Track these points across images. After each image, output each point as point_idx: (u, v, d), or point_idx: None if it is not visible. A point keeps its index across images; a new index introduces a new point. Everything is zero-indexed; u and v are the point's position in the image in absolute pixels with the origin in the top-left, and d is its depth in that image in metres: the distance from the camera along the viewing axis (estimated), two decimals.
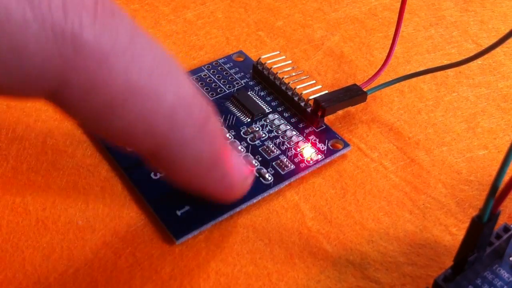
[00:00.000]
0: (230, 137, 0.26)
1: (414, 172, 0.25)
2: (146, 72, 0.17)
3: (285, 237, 0.23)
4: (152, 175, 0.24)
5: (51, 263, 0.21)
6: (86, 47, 0.16)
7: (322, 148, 0.26)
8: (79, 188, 0.24)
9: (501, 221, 0.21)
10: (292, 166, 0.25)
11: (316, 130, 0.26)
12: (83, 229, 0.23)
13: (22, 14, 0.15)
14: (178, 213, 0.23)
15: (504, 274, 0.21)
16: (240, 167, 0.22)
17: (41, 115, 0.27)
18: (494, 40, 0.24)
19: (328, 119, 0.27)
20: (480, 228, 0.19)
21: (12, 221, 0.23)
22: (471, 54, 0.25)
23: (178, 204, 0.23)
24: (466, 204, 0.24)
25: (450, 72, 0.30)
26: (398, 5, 0.27)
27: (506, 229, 0.21)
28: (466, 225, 0.19)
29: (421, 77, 0.29)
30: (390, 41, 0.28)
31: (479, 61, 0.31)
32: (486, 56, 0.29)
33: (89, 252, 0.22)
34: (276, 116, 0.27)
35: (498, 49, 0.30)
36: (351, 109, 0.28)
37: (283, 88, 0.27)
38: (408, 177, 0.25)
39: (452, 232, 0.23)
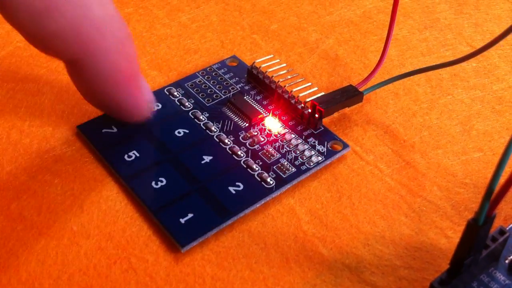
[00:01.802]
0: (229, 143, 0.26)
1: (409, 175, 0.25)
2: None
3: (281, 241, 0.23)
4: (153, 184, 0.24)
5: (46, 268, 0.21)
6: None
7: (322, 150, 0.26)
8: (74, 194, 0.24)
9: (497, 223, 0.21)
10: (293, 169, 0.25)
11: (315, 132, 0.26)
12: (78, 234, 0.22)
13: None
14: (182, 221, 0.23)
15: (500, 277, 0.21)
16: (147, 89, 0.25)
17: (35, 120, 0.27)
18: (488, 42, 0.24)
19: (324, 122, 0.27)
20: (476, 231, 0.19)
21: (7, 226, 0.23)
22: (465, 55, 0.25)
23: (181, 212, 0.23)
24: (462, 207, 0.24)
25: (444, 74, 0.30)
26: None
27: (501, 231, 0.21)
28: (462, 228, 0.19)
29: (415, 79, 0.29)
30: None
31: (473, 63, 0.31)
32: (480, 58, 0.29)
33: (84, 257, 0.22)
34: (274, 119, 0.27)
35: (492, 52, 0.30)
36: (346, 112, 0.28)
37: (279, 91, 0.27)
38: (404, 180, 0.25)
39: (448, 235, 0.23)
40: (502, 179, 0.17)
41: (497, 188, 0.18)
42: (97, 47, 0.21)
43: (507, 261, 0.21)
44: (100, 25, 0.21)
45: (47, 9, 0.20)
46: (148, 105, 0.25)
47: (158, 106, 0.27)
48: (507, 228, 0.22)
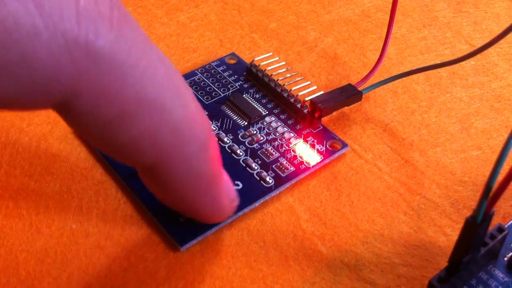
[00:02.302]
0: (228, 141, 0.26)
1: (408, 173, 0.25)
2: (158, 85, 0.17)
3: (280, 240, 0.23)
4: None
5: (45, 267, 0.21)
6: (101, 56, 0.15)
7: (321, 149, 0.26)
8: (72, 192, 0.24)
9: (495, 221, 0.21)
10: (292, 168, 0.25)
11: (314, 131, 0.26)
12: (77, 233, 0.22)
13: (32, 22, 0.14)
14: (181, 219, 0.23)
15: (499, 274, 0.21)
16: (229, 189, 0.22)
17: (34, 119, 0.27)
18: (487, 41, 0.24)
19: (323, 121, 0.27)
20: (474, 229, 0.19)
21: (6, 226, 0.23)
22: (464, 54, 0.25)
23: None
24: (460, 205, 0.24)
25: (443, 73, 0.30)
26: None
27: (500, 229, 0.21)
28: (460, 225, 0.19)
29: (414, 78, 0.29)
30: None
31: (472, 61, 0.31)
32: (479, 56, 0.29)
33: (83, 256, 0.22)
34: (273, 118, 0.27)
35: (491, 50, 0.30)
36: (345, 110, 0.28)
37: (278, 90, 0.27)
38: (403, 178, 0.25)
39: (446, 233, 0.23)
40: (500, 177, 0.17)
41: (495, 186, 0.18)
42: (176, 154, 0.19)
43: (505, 259, 0.21)
44: (180, 129, 0.18)
45: (121, 117, 0.17)
46: (230, 204, 0.22)
47: None
48: (506, 226, 0.22)
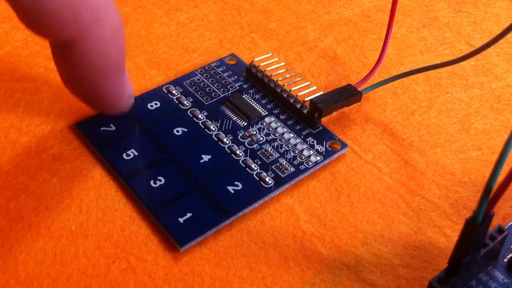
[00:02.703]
0: (228, 142, 0.26)
1: (408, 173, 0.25)
2: None
3: (280, 240, 0.23)
4: (151, 183, 0.24)
5: (45, 268, 0.21)
6: None
7: (321, 149, 0.26)
8: (72, 193, 0.24)
9: (495, 222, 0.21)
10: (292, 169, 0.25)
11: (313, 132, 0.26)
12: (76, 234, 0.22)
13: None
14: (181, 220, 0.23)
15: (499, 275, 0.21)
16: (128, 83, 0.25)
17: (34, 119, 0.26)
18: (487, 41, 0.24)
19: (322, 121, 0.27)
20: (474, 229, 0.19)
21: (5, 227, 0.22)
22: (464, 55, 0.25)
23: (180, 211, 0.23)
24: (460, 206, 0.24)
25: (443, 73, 0.30)
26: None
27: (500, 230, 0.21)
28: (460, 226, 0.19)
29: (414, 78, 0.29)
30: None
31: (472, 62, 0.31)
32: (479, 57, 0.29)
33: (82, 257, 0.22)
34: (273, 119, 0.27)
35: (491, 50, 0.30)
36: (345, 111, 0.28)
37: (278, 90, 0.27)
38: (402, 178, 0.25)
39: (446, 234, 0.23)
40: (500, 178, 0.17)
41: (495, 186, 0.18)
42: (92, 31, 0.21)
43: (505, 260, 0.21)
44: (98, 10, 0.21)
45: None
46: (128, 99, 0.25)
47: (157, 104, 0.27)
48: (506, 227, 0.22)
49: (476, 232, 0.19)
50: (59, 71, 0.24)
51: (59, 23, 0.20)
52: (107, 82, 0.23)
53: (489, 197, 0.18)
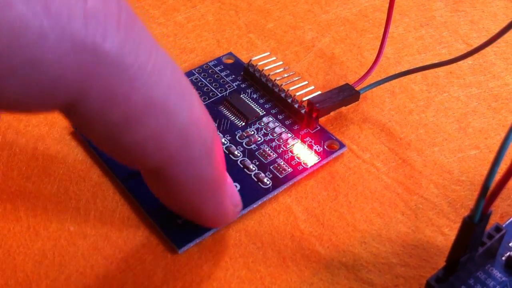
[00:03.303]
0: (225, 142, 0.26)
1: (406, 173, 0.25)
2: (165, 88, 0.17)
3: (278, 240, 0.23)
4: None
5: (43, 269, 0.21)
6: (108, 58, 0.15)
7: (319, 149, 0.26)
8: (70, 194, 0.24)
9: (493, 220, 0.21)
10: (289, 169, 0.25)
11: (311, 132, 0.26)
12: (74, 235, 0.22)
13: (39, 24, 0.14)
14: (179, 221, 0.23)
15: (497, 274, 0.21)
16: (233, 194, 0.22)
17: (31, 120, 0.26)
18: (484, 40, 0.24)
19: (320, 121, 0.27)
20: (472, 228, 0.19)
21: (3, 228, 0.22)
22: (462, 54, 0.25)
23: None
24: (458, 204, 0.24)
25: (440, 72, 0.30)
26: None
27: (497, 229, 0.21)
28: (458, 225, 0.19)
29: (412, 77, 0.29)
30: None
31: (469, 61, 0.31)
32: (476, 56, 0.29)
33: (80, 258, 0.22)
34: (271, 118, 0.27)
35: (488, 49, 0.30)
36: (343, 110, 0.28)
37: (276, 90, 0.27)
38: (400, 178, 0.25)
39: (444, 233, 0.23)
40: (498, 176, 0.17)
41: (492, 185, 0.18)
42: (182, 157, 0.18)
43: (503, 258, 0.21)
44: (186, 133, 0.18)
45: (127, 120, 0.17)
46: (233, 209, 0.22)
47: None
48: (503, 225, 0.22)
49: (473, 231, 0.19)
50: (154, 193, 0.21)
51: (141, 155, 0.18)
52: (208, 202, 0.21)
53: (486, 196, 0.18)
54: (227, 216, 0.22)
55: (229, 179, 0.22)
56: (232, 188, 0.22)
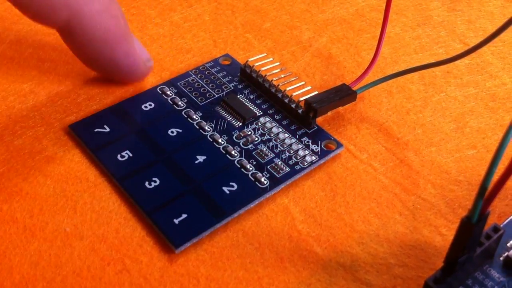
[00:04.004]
0: (222, 142, 0.26)
1: (403, 173, 0.25)
2: None
3: (275, 241, 0.23)
4: (146, 184, 0.24)
5: (39, 270, 0.21)
6: None
7: (316, 149, 0.26)
8: (66, 195, 0.24)
9: (491, 221, 0.21)
10: (287, 169, 0.25)
11: (308, 132, 0.26)
12: (71, 236, 0.22)
13: None
14: (176, 221, 0.23)
15: (495, 274, 0.21)
16: (142, 49, 0.27)
17: (28, 121, 0.26)
18: (481, 39, 0.24)
19: (317, 121, 0.27)
20: (470, 229, 0.19)
21: (0, 229, 0.22)
22: (458, 53, 0.25)
23: (175, 213, 0.23)
24: (456, 205, 0.24)
25: (438, 72, 0.30)
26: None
27: (495, 229, 0.21)
28: (456, 225, 0.19)
29: (409, 77, 0.29)
30: None
31: (466, 60, 0.31)
32: (473, 55, 0.29)
33: (77, 259, 0.22)
34: (268, 119, 0.27)
35: (485, 49, 0.30)
36: (340, 110, 0.28)
37: (273, 90, 0.27)
38: (398, 178, 0.25)
39: (442, 233, 0.23)
40: (495, 176, 0.17)
41: (490, 185, 0.18)
42: (84, 11, 0.24)
43: (501, 259, 0.21)
44: None
45: None
46: (145, 63, 0.27)
47: (151, 105, 0.27)
48: (501, 226, 0.22)
49: (471, 231, 0.19)
50: (73, 53, 0.26)
51: (51, 10, 0.24)
52: (116, 52, 0.26)
53: (484, 196, 0.18)
54: (139, 69, 0.27)
55: (136, 38, 0.27)
56: (140, 45, 0.27)
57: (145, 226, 0.23)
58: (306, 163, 0.25)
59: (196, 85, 0.28)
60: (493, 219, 0.23)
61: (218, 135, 0.26)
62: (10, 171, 0.24)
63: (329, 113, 0.27)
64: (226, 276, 0.22)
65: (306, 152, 0.25)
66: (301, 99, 0.27)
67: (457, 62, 0.29)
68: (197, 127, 0.26)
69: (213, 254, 0.22)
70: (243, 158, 0.25)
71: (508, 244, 0.22)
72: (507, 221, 0.23)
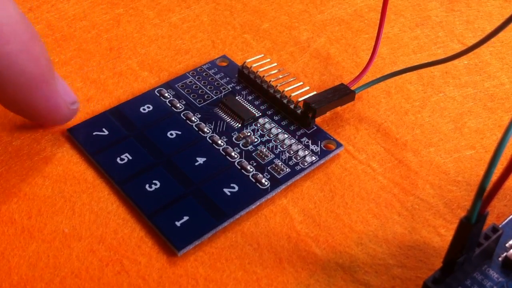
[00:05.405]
0: (222, 144, 0.26)
1: (402, 173, 0.25)
2: None
3: (274, 242, 0.23)
4: (147, 187, 0.24)
5: (38, 271, 0.21)
6: None
7: (316, 149, 0.26)
8: (65, 196, 0.24)
9: (490, 221, 0.21)
10: (287, 170, 0.25)
11: (308, 132, 0.26)
12: (69, 237, 0.22)
13: None
14: (178, 224, 0.23)
15: (494, 274, 0.21)
16: (66, 91, 0.25)
17: (26, 121, 0.26)
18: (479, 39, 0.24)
19: (316, 121, 0.27)
20: (469, 229, 0.19)
21: None
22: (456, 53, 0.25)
23: (176, 215, 0.23)
24: (455, 205, 0.24)
25: (436, 72, 0.30)
26: None
27: (494, 229, 0.21)
28: (454, 226, 0.19)
29: (407, 78, 0.29)
30: None
31: (465, 60, 0.31)
32: (472, 55, 0.29)
33: (75, 260, 0.22)
34: (267, 119, 0.27)
35: (484, 49, 0.30)
36: (338, 111, 0.28)
37: (271, 91, 0.27)
38: (396, 178, 0.25)
39: (440, 233, 0.23)
40: (494, 177, 0.17)
41: (489, 186, 0.18)
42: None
43: (500, 259, 0.21)
44: (0, 31, 0.21)
45: None
46: (68, 106, 0.25)
47: (149, 107, 0.27)
48: (500, 226, 0.22)
49: (470, 231, 0.19)
50: None
51: None
52: (34, 95, 0.23)
53: (483, 197, 0.18)
54: (61, 112, 0.25)
55: (61, 79, 0.24)
56: (64, 87, 0.25)
57: (144, 227, 0.23)
58: (306, 164, 0.25)
59: (194, 87, 0.28)
60: (492, 219, 0.23)
61: (217, 137, 0.26)
62: (8, 172, 0.24)
63: (327, 114, 0.27)
64: (225, 277, 0.22)
65: (306, 152, 0.25)
66: (300, 99, 0.26)
67: (456, 62, 0.30)
68: (196, 129, 0.26)
69: (212, 255, 0.22)
70: (243, 160, 0.25)
71: (507, 245, 0.22)
72: (506, 221, 0.23)
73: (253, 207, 0.24)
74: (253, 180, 0.24)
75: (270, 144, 0.26)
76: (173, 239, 0.22)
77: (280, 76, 0.28)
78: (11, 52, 0.21)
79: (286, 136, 0.26)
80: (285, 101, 0.27)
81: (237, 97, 0.28)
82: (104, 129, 0.26)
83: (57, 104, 0.24)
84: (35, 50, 0.22)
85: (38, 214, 0.23)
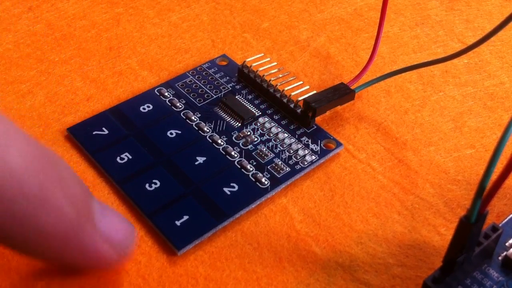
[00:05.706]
0: (222, 143, 0.26)
1: (402, 172, 0.25)
2: None
3: (274, 241, 0.23)
4: (147, 186, 0.24)
5: (37, 271, 0.21)
6: None
7: (316, 148, 0.26)
8: None
9: (490, 220, 0.21)
10: (287, 169, 0.25)
11: (308, 131, 0.26)
12: None
13: None
14: (178, 223, 0.23)
15: (493, 273, 0.21)
16: (113, 231, 0.19)
17: (25, 122, 0.26)
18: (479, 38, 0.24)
19: (316, 121, 0.27)
20: (468, 228, 0.19)
21: None
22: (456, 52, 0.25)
23: (176, 215, 0.23)
24: (454, 204, 0.24)
25: (436, 71, 0.30)
26: None
27: (494, 228, 0.21)
28: (454, 225, 0.19)
29: (407, 77, 0.29)
30: None
31: (465, 59, 0.31)
32: (472, 54, 0.29)
33: None
34: (267, 119, 0.27)
35: (484, 48, 0.30)
36: (338, 110, 0.28)
37: (271, 90, 0.27)
38: (396, 177, 0.25)
39: (440, 232, 0.23)
40: (494, 176, 0.17)
41: (489, 185, 0.18)
42: (7, 216, 0.16)
43: (500, 258, 0.21)
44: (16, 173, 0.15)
45: None
46: (114, 248, 0.19)
47: (149, 107, 0.27)
48: (500, 225, 0.22)
49: (470, 231, 0.19)
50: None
51: None
52: (68, 252, 0.18)
53: (483, 196, 0.18)
54: (101, 260, 0.19)
55: (107, 214, 0.19)
56: (110, 225, 0.19)
57: (144, 226, 0.23)
58: (306, 163, 0.25)
59: (193, 86, 0.28)
60: (492, 219, 0.23)
61: (217, 136, 0.26)
62: None
63: (327, 113, 0.27)
64: (225, 276, 0.22)
65: (306, 151, 0.25)
66: (299, 98, 0.26)
67: (455, 61, 0.29)
68: (196, 128, 0.26)
69: (212, 254, 0.22)
70: (243, 159, 0.25)
71: (507, 244, 0.22)
72: (505, 220, 0.23)
73: (253, 206, 0.24)
74: (253, 180, 0.24)
75: (270, 143, 0.26)
76: (173, 239, 0.22)
77: (280, 75, 0.28)
78: (23, 213, 0.16)
79: (286, 135, 0.26)
80: (285, 100, 0.27)
81: (237, 96, 0.28)
82: (104, 129, 0.26)
83: (97, 251, 0.18)
84: (54, 201, 0.16)
85: None
